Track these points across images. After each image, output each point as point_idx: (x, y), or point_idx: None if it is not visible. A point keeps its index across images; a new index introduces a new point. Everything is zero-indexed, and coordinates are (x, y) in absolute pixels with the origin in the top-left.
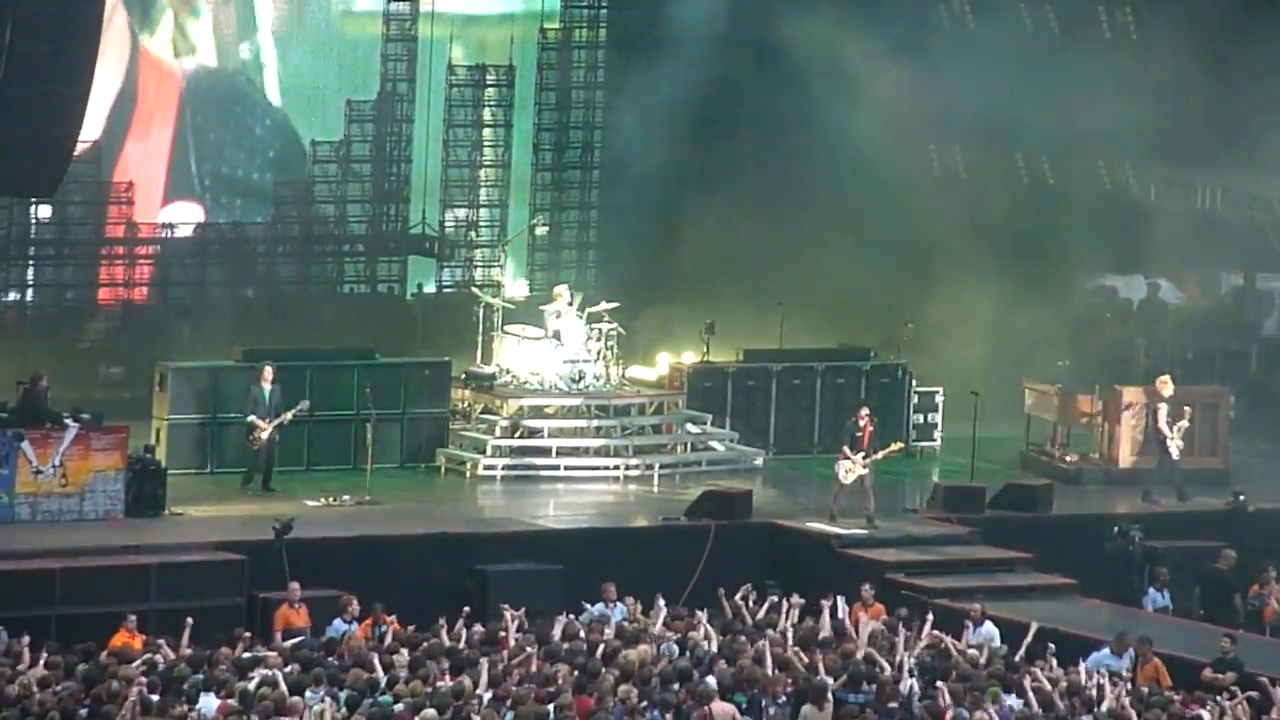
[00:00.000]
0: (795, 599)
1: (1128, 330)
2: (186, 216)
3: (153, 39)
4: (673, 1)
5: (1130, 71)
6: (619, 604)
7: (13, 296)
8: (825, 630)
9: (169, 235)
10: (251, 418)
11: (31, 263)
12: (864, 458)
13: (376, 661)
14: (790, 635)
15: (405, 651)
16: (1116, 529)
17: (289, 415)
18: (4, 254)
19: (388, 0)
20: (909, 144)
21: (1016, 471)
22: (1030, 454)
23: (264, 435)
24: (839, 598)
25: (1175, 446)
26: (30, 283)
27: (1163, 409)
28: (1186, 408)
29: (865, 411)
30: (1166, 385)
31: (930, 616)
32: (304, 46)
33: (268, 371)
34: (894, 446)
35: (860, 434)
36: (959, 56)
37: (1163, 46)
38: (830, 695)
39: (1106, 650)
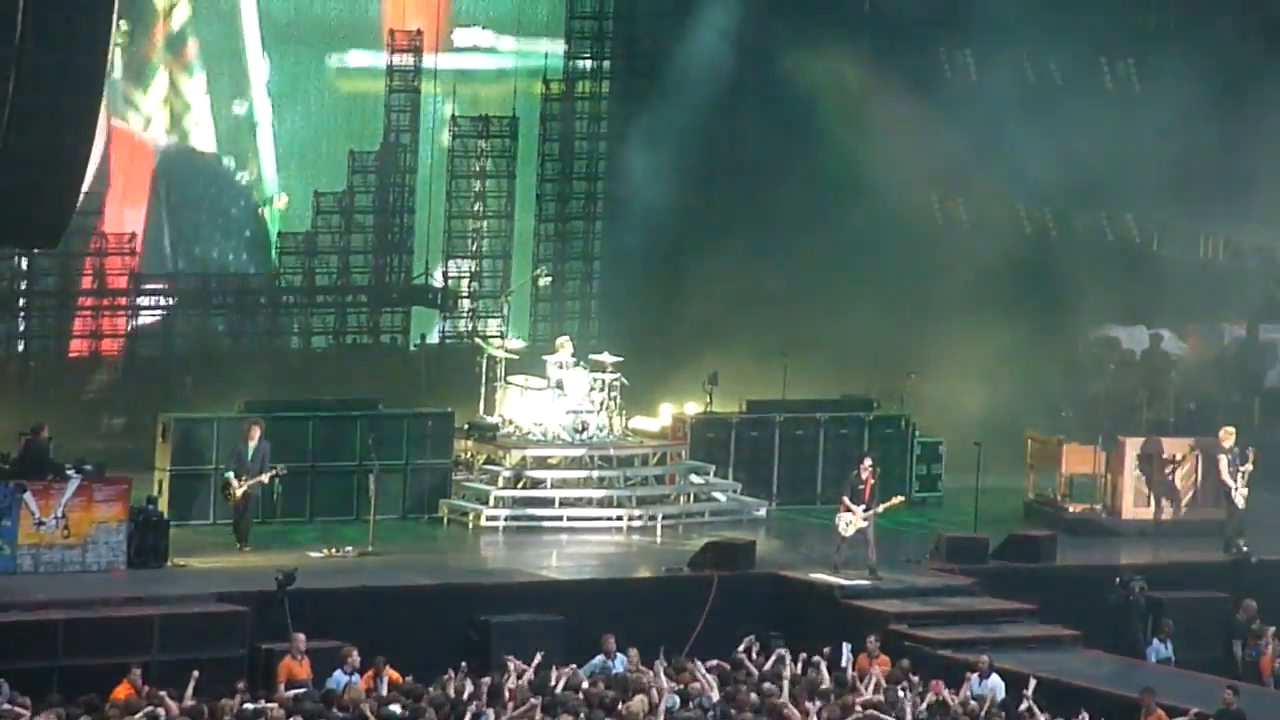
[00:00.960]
0: (782, 650)
1: (1130, 381)
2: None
3: (145, 97)
4: (675, 53)
5: (1132, 122)
6: (620, 655)
7: (17, 347)
8: (826, 681)
9: (172, 286)
10: (229, 475)
11: (32, 314)
12: (865, 510)
13: (367, 712)
14: (786, 687)
15: (405, 703)
16: (1118, 580)
17: (265, 478)
18: (6, 305)
19: (390, 53)
20: (912, 194)
21: (1020, 522)
22: (1033, 505)
23: (237, 494)
24: (845, 647)
25: (1240, 496)
26: (33, 334)
27: (1223, 460)
28: (1251, 450)
29: (868, 463)
30: (1229, 437)
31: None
32: (302, 101)
33: (254, 430)
34: (895, 500)
35: (863, 486)
36: (962, 106)
37: (1165, 98)
38: None
39: None
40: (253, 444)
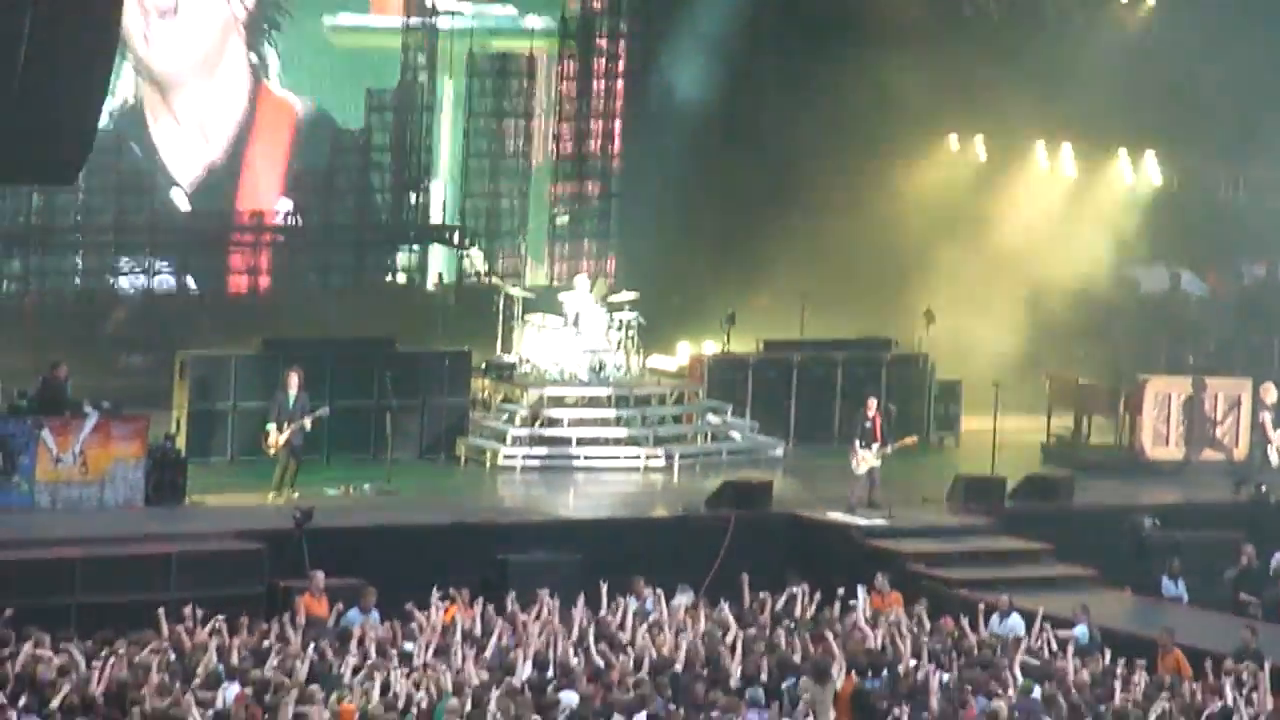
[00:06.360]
0: (795, 589)
1: (1149, 321)
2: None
3: None
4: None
5: (1149, 64)
6: (649, 596)
7: (32, 285)
8: (838, 620)
9: (189, 225)
10: (270, 426)
11: (49, 251)
12: (877, 449)
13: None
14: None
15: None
16: (1125, 523)
17: (307, 421)
18: (24, 242)
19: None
20: (930, 135)
21: (1038, 462)
22: (1051, 445)
23: (279, 440)
24: (860, 587)
25: (1276, 453)
26: (50, 271)
27: (1268, 416)
28: None
29: (873, 403)
30: (1270, 393)
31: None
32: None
33: (293, 378)
34: (907, 440)
35: (870, 425)
36: (980, 38)
37: (1179, 39)
38: (832, 673)
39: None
40: (292, 392)
